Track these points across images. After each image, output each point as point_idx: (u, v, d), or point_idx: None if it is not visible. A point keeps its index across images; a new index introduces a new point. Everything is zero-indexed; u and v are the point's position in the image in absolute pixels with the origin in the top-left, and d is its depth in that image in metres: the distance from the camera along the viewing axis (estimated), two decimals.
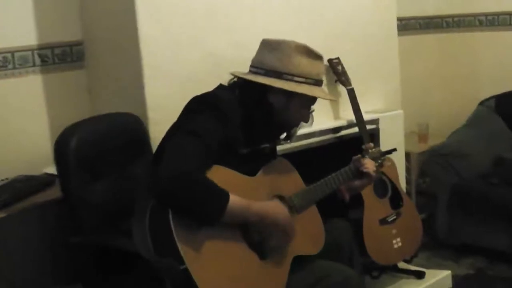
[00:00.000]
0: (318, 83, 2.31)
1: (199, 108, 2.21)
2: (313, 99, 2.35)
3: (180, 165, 1.96)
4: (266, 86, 2.26)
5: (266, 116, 2.30)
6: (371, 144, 2.78)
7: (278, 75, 2.26)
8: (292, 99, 2.28)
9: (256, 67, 2.32)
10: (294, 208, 2.35)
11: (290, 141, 2.52)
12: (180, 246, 1.94)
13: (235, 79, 2.39)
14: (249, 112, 2.29)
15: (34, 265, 2.67)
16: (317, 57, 2.31)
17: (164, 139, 2.30)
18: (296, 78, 2.25)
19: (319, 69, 2.32)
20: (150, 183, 1.97)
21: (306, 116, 2.38)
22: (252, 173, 2.29)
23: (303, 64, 2.26)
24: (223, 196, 2.00)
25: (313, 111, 2.43)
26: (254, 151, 2.34)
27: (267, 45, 2.33)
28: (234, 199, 2.02)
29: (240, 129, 2.26)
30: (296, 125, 2.40)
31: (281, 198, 2.34)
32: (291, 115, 2.32)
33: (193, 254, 1.97)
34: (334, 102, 3.55)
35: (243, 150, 2.28)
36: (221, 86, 2.39)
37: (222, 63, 2.90)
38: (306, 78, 2.27)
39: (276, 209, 2.17)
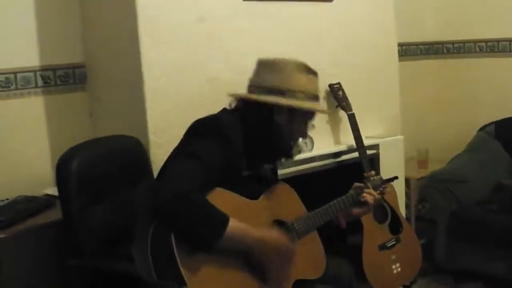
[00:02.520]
0: (317, 98, 2.35)
1: (202, 131, 2.22)
2: (312, 115, 2.38)
3: (180, 185, 1.96)
4: (271, 105, 2.28)
5: (270, 134, 2.31)
6: (373, 172, 2.76)
7: (281, 93, 2.28)
8: (295, 115, 2.31)
9: (257, 87, 2.34)
10: (295, 234, 2.35)
11: (292, 159, 2.53)
12: (182, 269, 1.94)
13: (236, 102, 2.40)
14: (252, 133, 2.30)
15: (32, 286, 2.66)
16: (314, 73, 2.34)
17: (166, 161, 2.31)
18: (298, 95, 2.28)
19: (316, 85, 2.35)
20: (150, 202, 1.97)
21: (305, 132, 2.41)
22: (254, 195, 2.30)
23: (303, 81, 2.29)
24: (223, 219, 2.00)
25: (314, 126, 2.45)
26: (256, 173, 2.36)
27: (265, 65, 2.35)
28: (234, 223, 2.01)
29: (242, 151, 2.26)
30: (295, 141, 2.41)
31: (282, 223, 2.34)
32: (293, 131, 2.35)
33: (196, 278, 1.97)
34: (335, 127, 3.57)
35: (245, 172, 2.29)
36: (224, 110, 2.40)
37: (224, 88, 2.90)
38: (307, 94, 2.30)
39: (275, 235, 2.17)
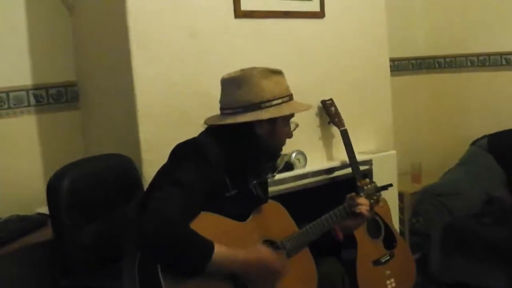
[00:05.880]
0: (291, 97, 2.33)
1: (182, 156, 2.21)
2: (292, 114, 2.35)
3: (163, 216, 1.94)
4: (251, 122, 2.25)
5: (255, 149, 2.29)
6: (367, 180, 2.75)
7: (257, 106, 2.24)
8: (276, 123, 2.29)
9: (230, 108, 2.30)
10: (285, 253, 2.32)
11: (276, 174, 2.50)
12: None
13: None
14: (236, 151, 2.27)
15: None
16: (279, 73, 2.32)
17: (150, 186, 2.29)
18: (273, 102, 2.25)
19: (285, 84, 2.32)
20: (135, 234, 1.94)
21: (289, 133, 2.37)
22: (243, 215, 2.28)
23: (272, 86, 2.26)
24: (208, 247, 1.98)
25: (297, 126, 2.41)
26: (243, 191, 2.33)
27: (230, 83, 2.31)
28: (219, 250, 1.99)
29: (226, 172, 2.24)
30: (283, 144, 2.38)
31: (272, 242, 2.31)
32: (278, 137, 2.33)
33: None
34: (327, 143, 3.58)
35: (231, 192, 2.26)
36: (205, 131, 2.38)
37: (216, 104, 2.91)
38: (281, 97, 2.27)
39: (259, 254, 2.14)
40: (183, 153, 2.23)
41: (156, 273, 1.94)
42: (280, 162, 2.45)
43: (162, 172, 2.26)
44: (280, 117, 2.28)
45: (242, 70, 2.31)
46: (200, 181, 2.10)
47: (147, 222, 1.92)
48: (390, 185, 2.81)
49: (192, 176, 2.10)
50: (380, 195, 2.72)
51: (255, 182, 2.39)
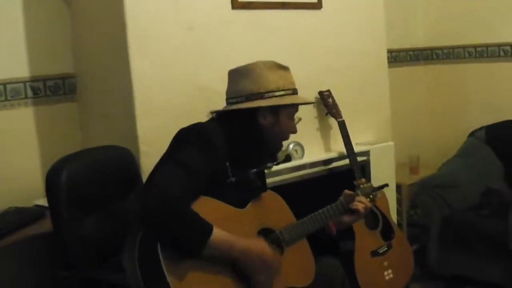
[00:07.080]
0: (295, 91, 2.36)
1: (187, 139, 2.23)
2: (296, 108, 2.40)
3: (166, 193, 1.96)
4: (253, 110, 2.29)
5: (258, 139, 2.32)
6: (363, 180, 2.78)
7: (260, 96, 2.29)
8: (279, 113, 2.32)
9: (235, 97, 2.34)
10: (284, 242, 2.34)
11: (274, 165, 2.52)
12: (169, 277, 1.94)
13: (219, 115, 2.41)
14: (239, 140, 2.30)
15: None
16: (285, 68, 2.37)
17: (154, 169, 2.30)
18: (276, 93, 2.30)
19: (291, 79, 2.37)
20: (137, 208, 1.97)
21: (294, 127, 2.41)
22: (241, 203, 2.29)
23: (277, 78, 2.31)
24: (206, 228, 2.00)
25: (300, 119, 2.45)
26: (243, 179, 2.34)
27: (236, 74, 2.36)
28: (218, 233, 2.01)
29: (228, 158, 2.26)
30: (286, 138, 2.41)
31: (270, 231, 2.33)
32: (281, 129, 2.36)
33: (182, 286, 1.97)
34: (325, 134, 3.58)
35: (232, 179, 2.28)
36: (210, 119, 2.41)
37: (213, 97, 2.91)
38: (285, 90, 2.32)
39: (261, 247, 2.16)
40: (186, 136, 2.24)
41: (157, 258, 1.95)
42: (281, 156, 2.47)
43: (166, 154, 2.28)
44: (284, 109, 2.32)
45: (248, 63, 2.35)
46: (202, 164, 2.13)
47: (150, 198, 1.95)
48: (386, 185, 2.83)
49: (195, 158, 2.12)
50: (376, 195, 2.73)
51: (253, 171, 2.40)
